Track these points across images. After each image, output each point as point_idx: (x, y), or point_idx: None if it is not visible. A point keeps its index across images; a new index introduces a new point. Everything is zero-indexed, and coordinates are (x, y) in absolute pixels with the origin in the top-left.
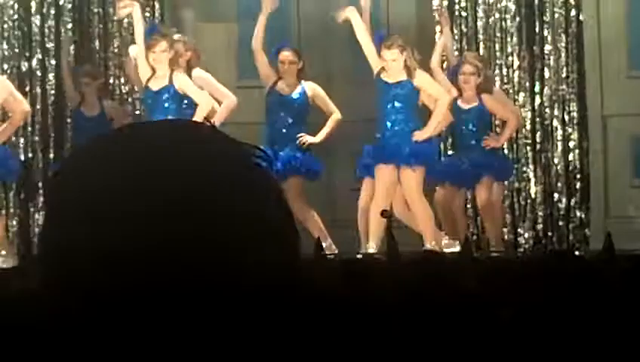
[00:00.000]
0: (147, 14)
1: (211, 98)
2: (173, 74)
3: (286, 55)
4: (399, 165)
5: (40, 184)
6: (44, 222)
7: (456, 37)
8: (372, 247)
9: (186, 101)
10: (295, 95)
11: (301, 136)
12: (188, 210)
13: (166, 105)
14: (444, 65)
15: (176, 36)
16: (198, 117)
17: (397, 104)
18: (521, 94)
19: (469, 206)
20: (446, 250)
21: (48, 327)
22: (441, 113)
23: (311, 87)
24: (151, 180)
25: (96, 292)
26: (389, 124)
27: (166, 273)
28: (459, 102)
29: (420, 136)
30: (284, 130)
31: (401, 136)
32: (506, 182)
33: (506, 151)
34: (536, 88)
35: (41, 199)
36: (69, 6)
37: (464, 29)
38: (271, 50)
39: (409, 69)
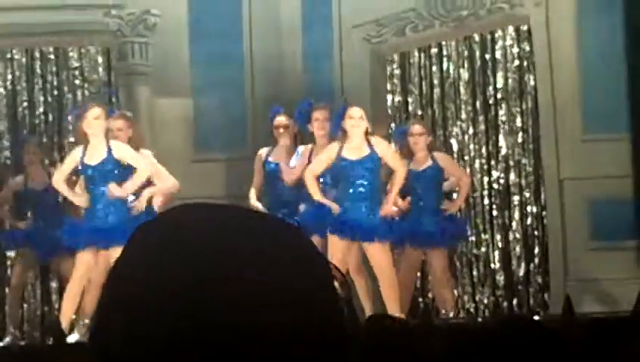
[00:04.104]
0: (102, 89)
1: (150, 164)
2: (110, 143)
3: (280, 120)
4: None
5: None
6: (102, 309)
7: (411, 105)
8: None
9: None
10: (293, 163)
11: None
12: (251, 319)
13: (110, 176)
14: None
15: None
16: (136, 182)
17: (361, 181)
18: (477, 161)
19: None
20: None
21: None
22: (400, 183)
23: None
24: (216, 280)
25: None
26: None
27: None
28: (410, 165)
29: (387, 210)
30: (283, 199)
31: (363, 211)
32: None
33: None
34: (492, 154)
35: None
36: (24, 84)
37: (417, 97)
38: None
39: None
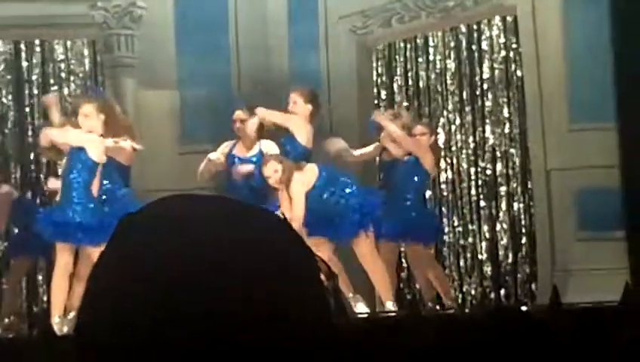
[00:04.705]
0: (88, 82)
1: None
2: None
3: (237, 114)
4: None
5: None
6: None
7: (398, 96)
8: None
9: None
10: (251, 157)
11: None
12: (235, 310)
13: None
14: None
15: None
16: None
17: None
18: (464, 151)
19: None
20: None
21: None
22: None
23: (269, 146)
24: (204, 270)
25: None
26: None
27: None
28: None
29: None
30: (244, 198)
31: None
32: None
33: (448, 207)
34: (479, 145)
35: None
36: (9, 77)
37: (404, 88)
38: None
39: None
